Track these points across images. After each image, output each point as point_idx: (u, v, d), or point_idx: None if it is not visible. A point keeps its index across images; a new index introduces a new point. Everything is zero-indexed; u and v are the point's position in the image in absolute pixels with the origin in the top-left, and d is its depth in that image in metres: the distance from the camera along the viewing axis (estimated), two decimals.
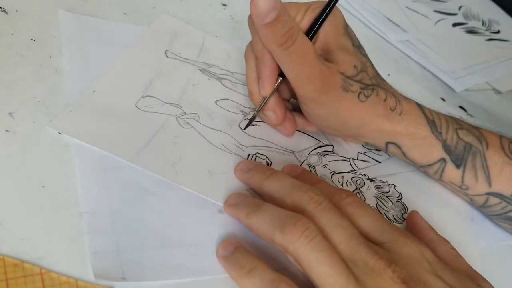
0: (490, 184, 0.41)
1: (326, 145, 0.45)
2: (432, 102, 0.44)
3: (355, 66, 0.39)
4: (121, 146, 0.37)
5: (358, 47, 0.41)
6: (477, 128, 0.43)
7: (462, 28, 0.70)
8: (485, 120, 0.57)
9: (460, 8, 0.74)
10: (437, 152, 0.41)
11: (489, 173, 0.41)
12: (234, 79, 0.47)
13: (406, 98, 0.42)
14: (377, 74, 0.41)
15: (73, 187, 0.34)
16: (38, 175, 0.34)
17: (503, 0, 0.78)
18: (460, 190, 0.43)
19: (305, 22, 0.39)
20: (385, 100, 0.40)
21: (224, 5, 0.56)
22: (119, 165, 0.36)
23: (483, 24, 0.72)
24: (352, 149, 0.45)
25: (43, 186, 0.33)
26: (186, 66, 0.46)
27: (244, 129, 0.43)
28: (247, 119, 0.44)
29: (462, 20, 0.71)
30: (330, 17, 0.39)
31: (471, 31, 0.70)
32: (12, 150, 0.34)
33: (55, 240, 0.31)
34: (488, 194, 0.42)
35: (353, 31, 0.41)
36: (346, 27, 0.40)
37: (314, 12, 0.39)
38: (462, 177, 0.42)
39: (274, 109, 0.41)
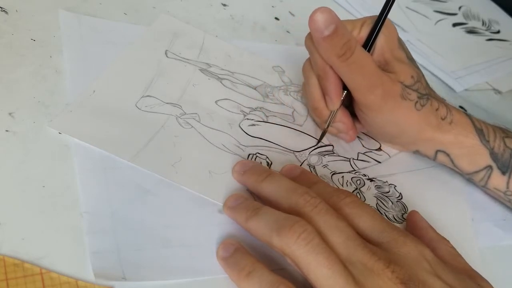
0: None
1: (326, 145, 0.45)
2: None
3: (412, 76, 0.41)
4: (121, 146, 0.37)
5: (411, 59, 0.43)
6: None
7: (462, 28, 0.70)
8: (485, 120, 0.57)
9: (460, 8, 0.74)
10: (485, 159, 0.43)
11: None
12: (234, 79, 0.47)
13: (455, 108, 0.44)
14: (428, 85, 0.43)
15: (73, 187, 0.34)
16: (38, 175, 0.34)
17: (503, 0, 0.78)
18: (504, 196, 0.44)
19: (362, 36, 0.41)
20: (437, 110, 0.42)
21: (224, 5, 0.56)
22: (119, 165, 0.36)
23: (483, 24, 0.72)
24: (352, 149, 0.46)
25: (43, 186, 0.33)
26: (186, 66, 0.46)
27: (317, 143, 0.44)
28: (247, 119, 0.44)
29: (462, 20, 0.71)
30: (384, 31, 0.41)
31: (471, 31, 0.70)
32: (12, 150, 0.34)
33: (55, 240, 0.31)
34: None
35: (405, 44, 0.43)
36: (400, 40, 0.42)
37: (369, 26, 0.41)
38: (508, 183, 0.43)
39: (342, 120, 0.43)
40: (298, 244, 0.30)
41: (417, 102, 0.41)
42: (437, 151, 0.43)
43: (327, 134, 0.45)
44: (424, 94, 0.42)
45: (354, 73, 0.39)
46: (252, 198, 0.37)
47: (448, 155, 0.43)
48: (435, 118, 0.42)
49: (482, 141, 0.42)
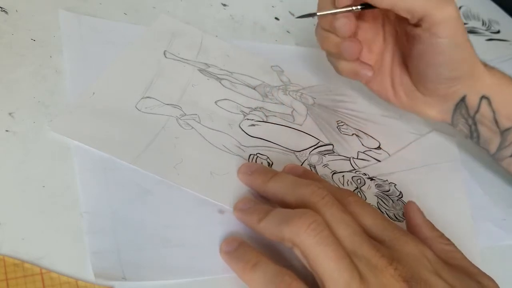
0: None
1: (326, 145, 0.45)
2: None
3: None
4: (122, 148, 0.37)
5: None
6: None
7: None
8: None
9: (460, 8, 0.74)
10: None
11: None
12: (234, 79, 0.47)
13: None
14: None
15: (73, 187, 0.34)
16: (38, 175, 0.34)
17: (503, 0, 0.78)
18: None
19: None
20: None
21: (224, 5, 0.56)
22: (119, 165, 0.36)
23: (483, 24, 0.72)
24: (352, 148, 0.46)
25: (43, 186, 0.33)
26: (185, 67, 0.46)
27: (311, 16, 0.44)
28: (247, 119, 0.44)
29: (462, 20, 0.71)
30: None
31: (471, 31, 0.70)
32: (12, 150, 0.34)
33: (55, 240, 0.31)
34: None
35: None
36: None
37: None
38: None
39: (348, 17, 0.42)
40: (307, 234, 0.30)
41: (468, 36, 0.42)
42: (482, 98, 0.43)
43: (328, 133, 0.45)
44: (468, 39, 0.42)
45: None
46: (261, 203, 0.37)
47: (491, 103, 0.43)
48: (479, 61, 0.43)
49: None
